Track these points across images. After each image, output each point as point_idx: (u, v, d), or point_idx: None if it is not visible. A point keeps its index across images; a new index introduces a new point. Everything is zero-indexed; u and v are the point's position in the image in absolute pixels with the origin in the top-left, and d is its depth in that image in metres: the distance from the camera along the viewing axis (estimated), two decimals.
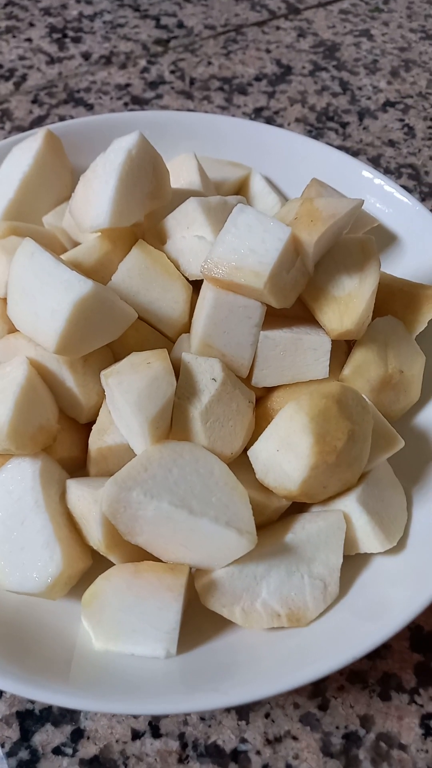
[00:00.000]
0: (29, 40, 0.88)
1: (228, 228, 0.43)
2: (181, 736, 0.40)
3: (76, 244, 0.53)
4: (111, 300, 0.43)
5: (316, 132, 0.79)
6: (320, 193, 0.52)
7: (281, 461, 0.39)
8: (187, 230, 0.47)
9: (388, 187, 0.56)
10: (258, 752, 0.40)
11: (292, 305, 0.46)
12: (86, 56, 0.86)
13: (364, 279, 0.45)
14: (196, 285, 0.47)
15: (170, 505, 0.37)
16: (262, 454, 0.41)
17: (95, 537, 0.39)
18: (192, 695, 0.34)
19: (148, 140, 0.47)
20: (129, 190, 0.46)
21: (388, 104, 0.84)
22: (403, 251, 0.55)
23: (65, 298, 0.40)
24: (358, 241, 0.46)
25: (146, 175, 0.47)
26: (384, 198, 0.57)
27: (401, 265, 0.55)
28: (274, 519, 0.43)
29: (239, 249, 0.42)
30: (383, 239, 0.56)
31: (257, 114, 0.80)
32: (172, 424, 0.42)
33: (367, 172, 0.58)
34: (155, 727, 0.40)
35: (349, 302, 0.44)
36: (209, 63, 0.86)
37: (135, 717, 0.40)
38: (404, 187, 0.74)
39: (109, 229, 0.47)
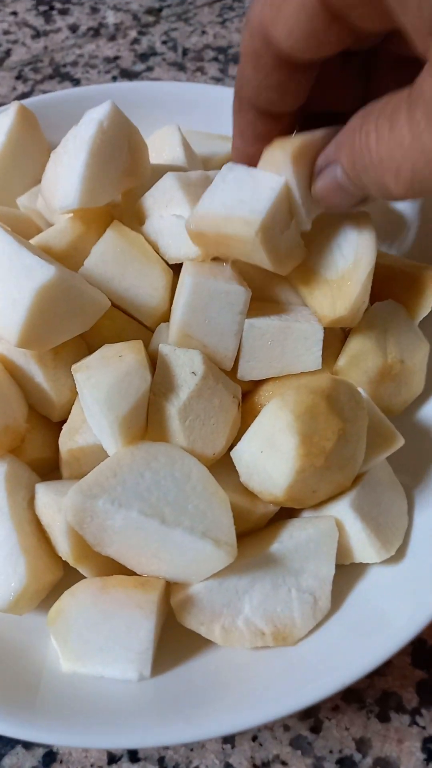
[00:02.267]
0: (14, 13, 0.84)
1: (216, 183, 0.39)
2: (161, 761, 0.37)
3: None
4: (79, 287, 0.39)
5: None
6: None
7: (265, 463, 0.35)
8: (166, 209, 0.43)
9: None
10: None
11: (282, 290, 0.43)
12: (73, 29, 0.82)
13: (359, 259, 0.40)
14: (177, 269, 0.43)
15: (140, 514, 0.33)
16: (245, 455, 0.37)
17: (63, 548, 0.36)
18: (165, 727, 0.31)
19: (121, 111, 0.43)
20: (101, 167, 0.42)
21: None
22: (406, 229, 0.51)
23: (26, 286, 0.37)
24: (352, 218, 0.41)
25: (120, 150, 0.43)
26: None
27: (404, 245, 0.50)
28: (261, 525, 0.39)
29: (227, 201, 0.37)
30: (385, 217, 0.52)
31: None
32: (149, 423, 0.38)
33: None
34: (133, 751, 0.37)
35: (342, 286, 0.40)
36: (203, 32, 0.81)
37: None
38: None
39: (82, 210, 0.43)
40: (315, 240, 0.41)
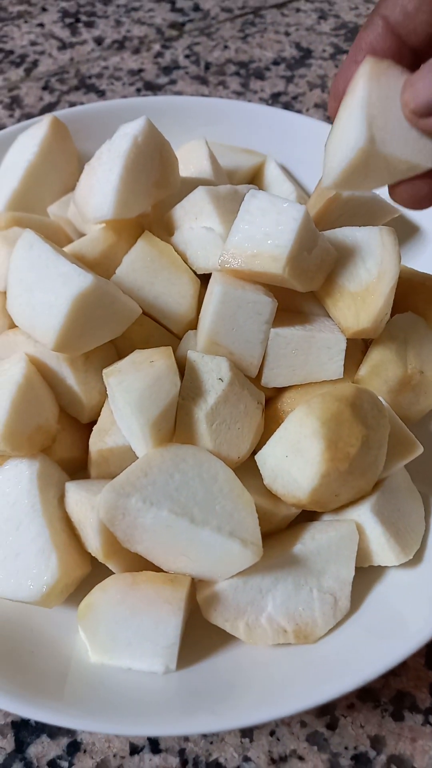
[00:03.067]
0: (41, 25, 0.86)
1: (242, 215, 0.41)
2: (182, 753, 0.38)
3: (82, 235, 0.51)
4: (113, 294, 0.41)
5: None
6: None
7: (290, 468, 0.37)
8: (195, 221, 0.45)
9: None
10: None
11: (306, 301, 0.44)
12: (99, 41, 0.84)
13: (383, 273, 0.42)
14: (204, 279, 0.45)
15: (170, 513, 0.35)
16: (269, 459, 0.38)
17: (93, 544, 0.37)
18: (189, 717, 0.33)
19: (155, 126, 0.45)
20: (134, 179, 0.44)
21: None
22: (425, 243, 0.52)
23: (63, 293, 0.38)
24: (377, 232, 0.43)
25: (153, 163, 0.45)
26: None
27: (423, 258, 0.52)
28: (283, 527, 0.41)
29: (255, 236, 0.40)
30: (404, 230, 0.53)
31: (275, 99, 0.77)
32: (177, 426, 0.40)
33: None
34: (155, 742, 0.39)
35: (366, 298, 0.41)
36: (225, 47, 0.83)
37: None
38: None
39: (115, 220, 0.45)
40: (340, 254, 0.43)
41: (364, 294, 0.42)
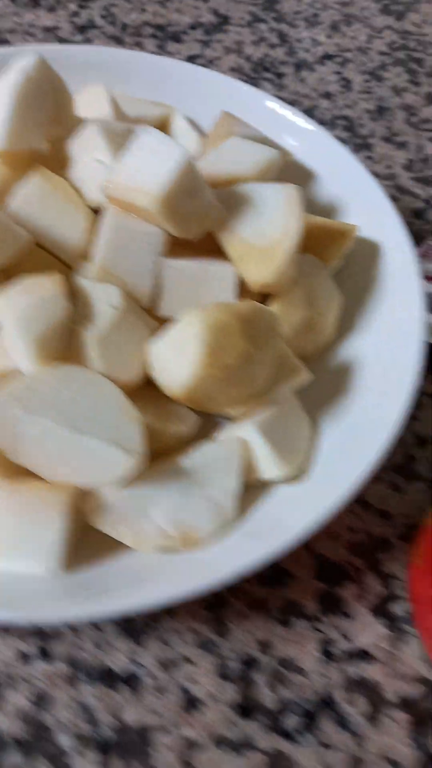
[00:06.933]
0: None
1: (131, 148, 0.42)
2: (72, 660, 0.39)
3: None
4: (3, 222, 0.41)
5: (251, 82, 0.78)
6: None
7: (173, 363, 0.39)
8: (88, 155, 0.45)
9: (295, 118, 0.55)
10: (152, 675, 0.39)
11: (205, 238, 0.45)
12: None
13: (287, 230, 0.43)
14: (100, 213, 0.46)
15: (54, 423, 0.36)
16: (159, 352, 0.40)
17: None
18: (71, 606, 0.34)
19: (48, 62, 0.46)
20: (26, 112, 0.44)
21: (326, 57, 0.83)
22: (316, 185, 0.55)
23: None
24: (282, 190, 0.45)
25: (46, 98, 0.45)
26: (293, 130, 0.56)
27: (315, 199, 0.54)
28: (175, 447, 0.42)
29: (139, 169, 0.41)
30: (298, 174, 0.56)
31: (191, 62, 0.78)
32: (69, 351, 0.40)
33: (271, 103, 0.57)
34: (44, 650, 0.39)
35: (271, 254, 0.43)
36: (143, 10, 0.84)
37: (23, 641, 0.39)
38: (339, 138, 0.73)
39: (9, 154, 0.45)
40: (246, 209, 0.44)
41: (269, 250, 0.43)
